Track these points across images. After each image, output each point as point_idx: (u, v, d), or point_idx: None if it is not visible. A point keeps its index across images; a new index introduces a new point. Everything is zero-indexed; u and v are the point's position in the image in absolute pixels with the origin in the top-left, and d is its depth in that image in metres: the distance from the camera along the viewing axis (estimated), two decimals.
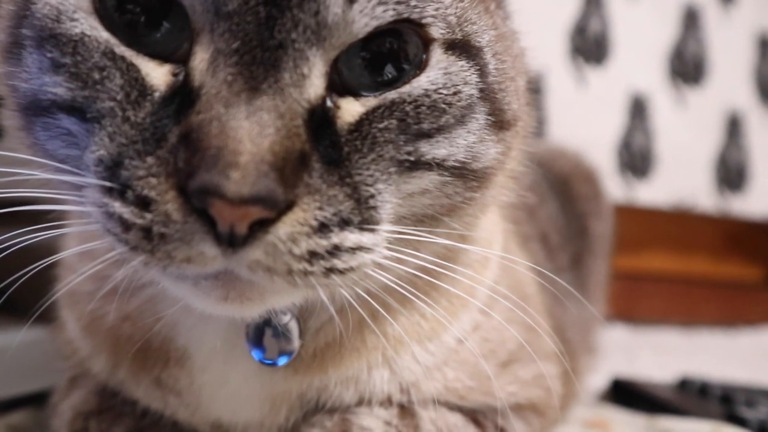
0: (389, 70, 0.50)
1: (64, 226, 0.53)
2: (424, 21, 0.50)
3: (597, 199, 1.30)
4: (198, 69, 0.47)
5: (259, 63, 0.46)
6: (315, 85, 0.48)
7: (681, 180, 2.20)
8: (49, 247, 0.56)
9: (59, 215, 0.52)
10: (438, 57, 0.51)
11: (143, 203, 0.45)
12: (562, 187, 1.23)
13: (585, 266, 1.19)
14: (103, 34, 0.49)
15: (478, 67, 0.53)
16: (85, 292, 0.65)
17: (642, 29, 2.16)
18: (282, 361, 0.60)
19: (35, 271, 0.54)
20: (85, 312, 0.66)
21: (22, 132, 0.54)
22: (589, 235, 1.23)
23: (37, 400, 0.85)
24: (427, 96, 0.50)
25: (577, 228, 1.21)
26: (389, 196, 0.50)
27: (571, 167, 1.31)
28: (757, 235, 2.40)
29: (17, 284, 0.54)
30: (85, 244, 0.56)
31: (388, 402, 0.64)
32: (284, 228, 0.45)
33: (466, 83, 0.52)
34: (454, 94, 0.51)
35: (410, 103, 0.50)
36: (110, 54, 0.48)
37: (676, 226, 2.28)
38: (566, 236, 1.15)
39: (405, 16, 0.49)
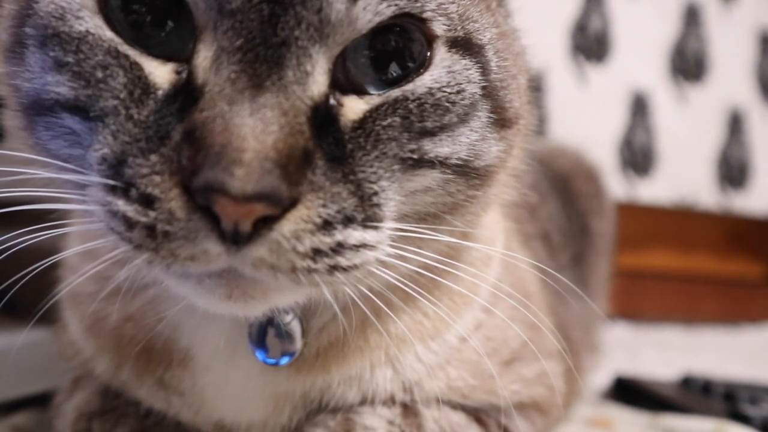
0: (394, 69, 0.50)
1: (67, 226, 0.53)
2: (424, 15, 0.50)
3: (598, 197, 1.30)
4: (201, 67, 0.47)
5: (263, 60, 0.46)
6: (318, 82, 0.48)
7: (683, 177, 2.20)
8: (51, 248, 0.56)
9: (61, 215, 0.52)
10: (442, 55, 0.51)
11: (147, 201, 0.45)
12: (563, 185, 1.23)
13: (586, 264, 1.19)
14: (108, 33, 0.49)
15: (480, 65, 0.53)
16: (88, 292, 0.65)
17: (643, 27, 2.16)
18: (284, 360, 0.60)
19: (37, 271, 0.54)
20: (88, 313, 0.65)
21: (24, 132, 0.54)
22: (590, 233, 1.23)
23: (41, 401, 0.85)
24: (431, 94, 0.51)
25: (578, 226, 1.21)
26: (392, 194, 0.50)
27: (571, 165, 1.31)
28: (760, 232, 2.40)
29: (19, 285, 0.54)
30: (88, 244, 0.56)
31: (391, 401, 0.64)
32: (288, 225, 0.45)
33: (469, 81, 0.52)
34: (458, 92, 0.51)
35: (414, 101, 0.50)
36: (114, 52, 0.48)
37: (678, 223, 2.28)
38: (567, 234, 1.14)
39: (406, 10, 0.49)
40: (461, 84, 0.52)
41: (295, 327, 0.60)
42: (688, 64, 2.22)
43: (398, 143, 0.50)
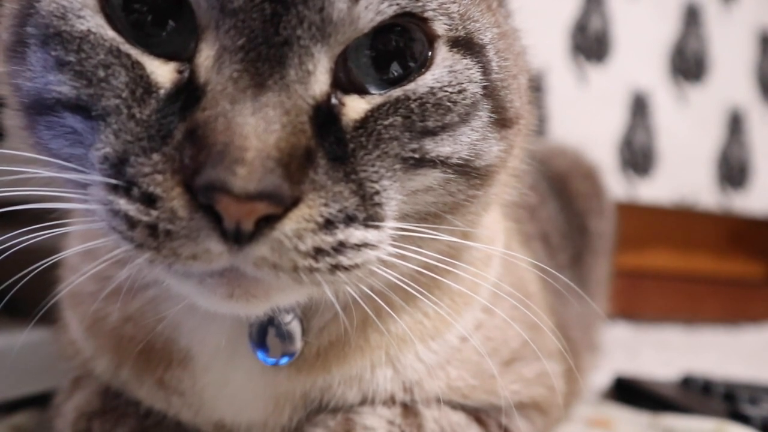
0: (395, 68, 0.50)
1: (67, 226, 0.53)
2: (426, 15, 0.50)
3: (597, 197, 1.30)
4: (203, 66, 0.47)
5: (265, 59, 0.46)
6: (320, 81, 0.48)
7: (683, 177, 2.20)
8: (51, 248, 0.56)
9: (62, 215, 0.52)
10: (443, 55, 0.52)
11: (149, 200, 0.45)
12: (561, 185, 1.23)
13: (585, 264, 1.19)
14: (109, 33, 0.49)
15: (481, 65, 0.53)
16: (88, 292, 0.65)
17: (643, 27, 2.16)
18: (285, 360, 0.60)
19: (38, 271, 0.54)
20: (88, 313, 0.65)
21: (25, 131, 0.54)
22: (589, 233, 1.23)
23: (41, 401, 0.85)
24: (433, 94, 0.51)
25: (576, 226, 1.21)
26: (394, 193, 0.50)
27: (569, 165, 1.31)
28: (760, 232, 2.40)
29: (20, 285, 0.54)
30: (88, 243, 0.56)
31: (391, 401, 0.64)
32: (290, 224, 0.45)
33: (470, 81, 0.52)
34: (459, 92, 0.52)
35: (415, 100, 0.50)
36: (115, 51, 0.48)
37: (678, 223, 2.28)
38: (566, 234, 1.14)
39: (407, 9, 0.49)
40: (462, 84, 0.52)
41: (296, 327, 0.60)
42: (688, 64, 2.22)
43: (400, 143, 0.50)
